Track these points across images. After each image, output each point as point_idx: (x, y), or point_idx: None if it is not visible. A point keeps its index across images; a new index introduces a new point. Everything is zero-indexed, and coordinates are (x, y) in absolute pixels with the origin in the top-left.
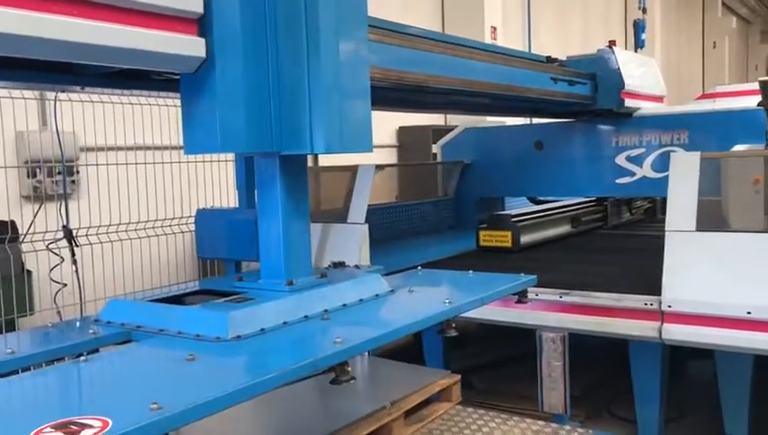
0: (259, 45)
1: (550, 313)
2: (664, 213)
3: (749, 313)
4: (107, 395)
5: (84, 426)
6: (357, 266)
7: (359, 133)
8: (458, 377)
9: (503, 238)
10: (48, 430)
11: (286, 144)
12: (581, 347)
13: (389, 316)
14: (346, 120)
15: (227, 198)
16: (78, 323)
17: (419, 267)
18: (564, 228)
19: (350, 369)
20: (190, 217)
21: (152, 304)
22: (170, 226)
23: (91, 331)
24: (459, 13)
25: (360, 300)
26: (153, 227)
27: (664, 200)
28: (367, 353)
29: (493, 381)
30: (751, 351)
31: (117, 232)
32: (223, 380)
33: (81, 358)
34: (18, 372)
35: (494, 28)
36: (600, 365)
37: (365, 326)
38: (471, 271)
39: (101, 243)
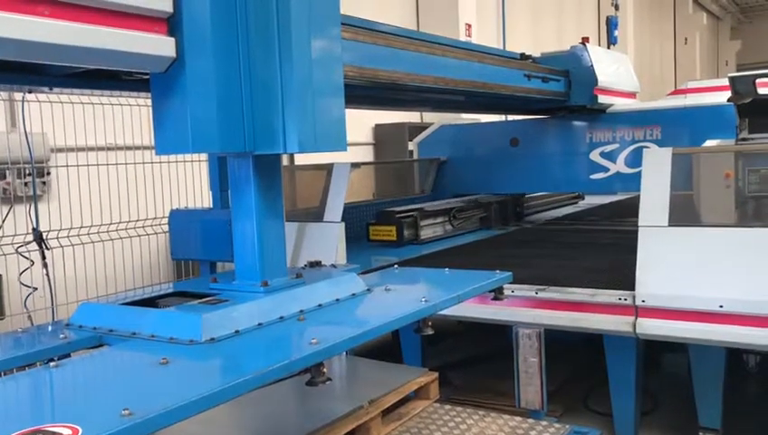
0: (230, 44)
1: (526, 309)
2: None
3: (721, 306)
4: (78, 402)
5: (54, 434)
6: (333, 265)
7: (333, 132)
8: (436, 375)
9: (388, 232)
10: None
11: (259, 144)
12: (557, 342)
13: (366, 316)
14: (320, 118)
15: (201, 198)
16: (49, 328)
17: (396, 265)
18: (447, 226)
19: (326, 370)
20: (164, 217)
21: (124, 307)
22: (143, 227)
23: (62, 335)
24: (434, 10)
25: (337, 300)
26: (126, 229)
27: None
28: (344, 352)
29: (470, 377)
30: (723, 344)
31: (89, 234)
32: (196, 383)
33: (52, 363)
34: None
35: (469, 25)
36: (575, 360)
37: (341, 326)
38: (447, 269)
39: (73, 245)
